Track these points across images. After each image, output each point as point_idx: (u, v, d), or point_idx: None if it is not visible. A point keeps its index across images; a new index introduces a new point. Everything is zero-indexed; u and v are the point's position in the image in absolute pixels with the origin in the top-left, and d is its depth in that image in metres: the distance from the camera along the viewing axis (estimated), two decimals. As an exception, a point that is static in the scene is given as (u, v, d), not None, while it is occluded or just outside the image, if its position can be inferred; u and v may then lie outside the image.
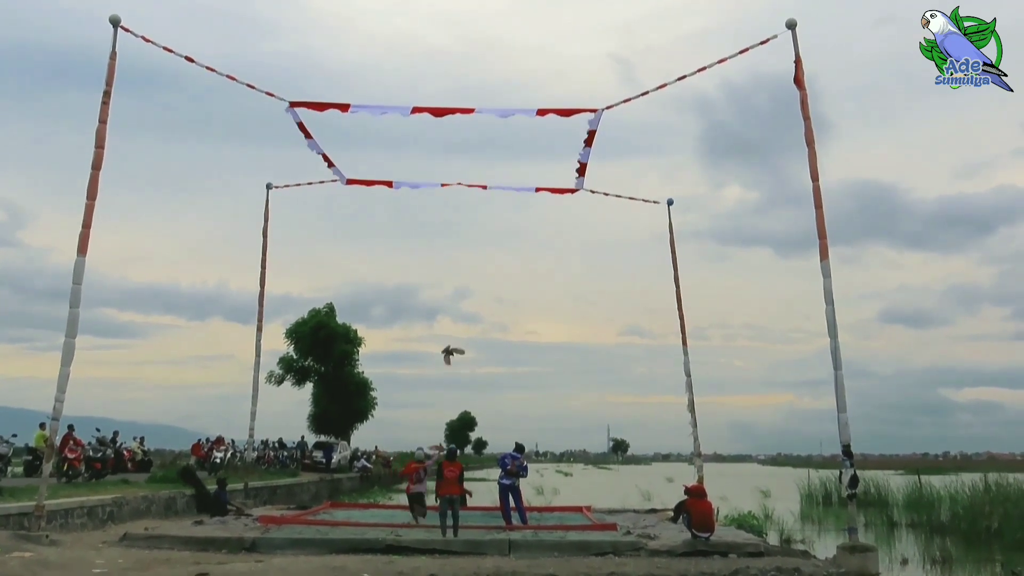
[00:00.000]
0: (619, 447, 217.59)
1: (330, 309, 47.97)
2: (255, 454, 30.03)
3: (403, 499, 31.19)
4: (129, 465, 27.25)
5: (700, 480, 19.29)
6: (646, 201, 23.70)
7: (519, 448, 17.58)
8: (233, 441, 33.36)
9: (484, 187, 22.08)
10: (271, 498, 26.56)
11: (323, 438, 45.44)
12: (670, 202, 23.34)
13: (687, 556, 13.54)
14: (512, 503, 17.09)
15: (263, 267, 24.26)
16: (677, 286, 23.10)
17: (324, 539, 14.46)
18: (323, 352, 46.14)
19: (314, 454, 40.94)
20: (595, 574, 11.90)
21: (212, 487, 20.05)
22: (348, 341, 47.21)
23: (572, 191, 21.39)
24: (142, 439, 31.09)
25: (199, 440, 34.16)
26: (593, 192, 21.90)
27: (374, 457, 48.95)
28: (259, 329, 24.32)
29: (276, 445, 40.33)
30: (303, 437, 44.17)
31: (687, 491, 15.33)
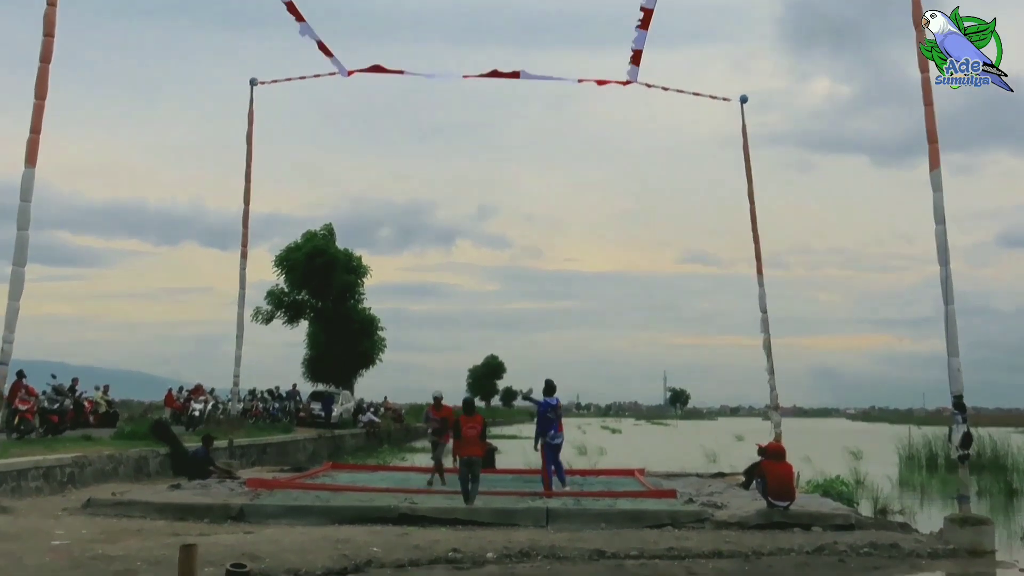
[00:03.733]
0: (678, 398, 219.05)
1: (328, 231, 48.06)
2: (241, 406, 30.47)
3: (417, 459, 31.80)
4: (91, 418, 27.74)
5: (777, 438, 19.38)
6: (714, 98, 23.25)
7: (550, 387, 17.30)
8: (214, 390, 33.80)
9: (516, 75, 21.72)
10: (260, 458, 27.04)
11: (321, 387, 45.95)
12: (744, 99, 22.94)
13: (762, 529, 13.72)
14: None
15: (247, 180, 24.20)
16: (751, 202, 22.83)
17: (324, 507, 14.67)
18: (320, 284, 46.32)
19: (311, 406, 41.43)
20: (651, 550, 12.03)
21: (192, 444, 20.33)
22: (350, 270, 47.37)
23: (624, 83, 21.07)
24: (106, 388, 31.66)
25: (172, 389, 34.70)
26: (649, 86, 21.53)
27: (382, 410, 49.56)
28: (243, 255, 24.34)
29: (266, 395, 40.90)
30: (295, 386, 44.73)
31: (762, 451, 15.49)
